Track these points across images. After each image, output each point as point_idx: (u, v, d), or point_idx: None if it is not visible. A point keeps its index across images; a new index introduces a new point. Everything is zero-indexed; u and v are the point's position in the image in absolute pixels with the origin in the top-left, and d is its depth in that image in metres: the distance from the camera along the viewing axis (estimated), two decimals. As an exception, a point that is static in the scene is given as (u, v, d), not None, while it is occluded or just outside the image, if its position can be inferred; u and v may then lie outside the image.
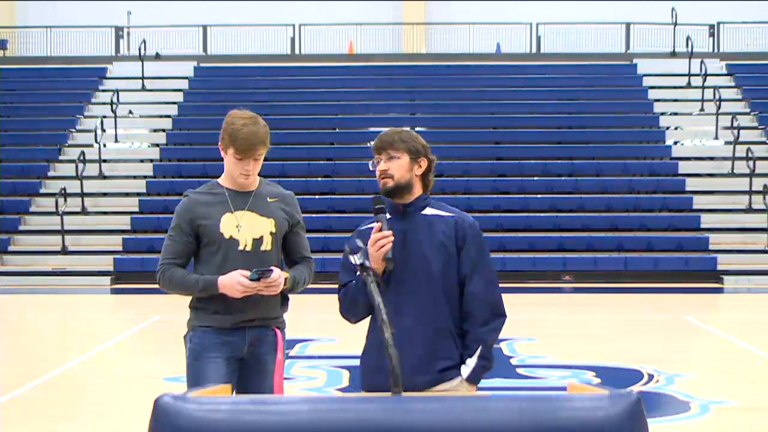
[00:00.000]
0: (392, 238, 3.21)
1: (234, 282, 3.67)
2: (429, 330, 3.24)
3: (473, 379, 3.26)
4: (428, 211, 3.35)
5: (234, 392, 3.82)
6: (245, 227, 3.78)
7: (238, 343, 3.80)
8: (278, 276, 3.70)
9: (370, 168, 3.41)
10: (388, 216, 3.33)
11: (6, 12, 26.96)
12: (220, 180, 3.90)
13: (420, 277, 3.26)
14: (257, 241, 3.79)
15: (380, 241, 3.20)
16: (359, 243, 3.06)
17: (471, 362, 3.26)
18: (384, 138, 3.37)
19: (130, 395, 7.27)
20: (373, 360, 3.31)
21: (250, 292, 3.69)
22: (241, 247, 3.76)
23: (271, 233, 3.82)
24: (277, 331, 3.87)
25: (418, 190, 3.36)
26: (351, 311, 3.39)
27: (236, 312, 3.76)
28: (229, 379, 3.78)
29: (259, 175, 3.92)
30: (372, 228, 3.31)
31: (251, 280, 3.66)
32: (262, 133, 3.75)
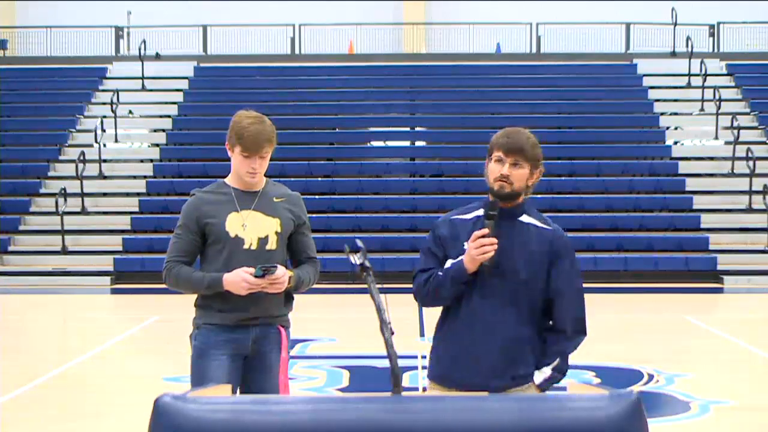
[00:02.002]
0: (496, 246, 3.19)
1: (239, 279, 3.69)
2: (509, 337, 3.24)
3: (543, 386, 3.28)
4: (525, 218, 3.32)
5: (238, 391, 3.83)
6: (251, 226, 3.80)
7: (241, 341, 3.82)
8: (282, 273, 3.72)
9: (487, 163, 3.36)
10: (480, 212, 3.33)
11: (6, 12, 26.96)
12: (227, 180, 3.94)
13: (506, 282, 3.24)
14: (262, 241, 3.82)
15: (485, 246, 3.18)
16: (359, 243, 3.06)
17: (546, 371, 3.27)
18: (515, 141, 3.30)
19: (130, 395, 7.27)
20: (451, 352, 3.31)
21: (255, 288, 3.71)
22: (246, 246, 3.79)
23: (276, 233, 3.84)
24: (282, 330, 3.88)
25: (522, 197, 3.34)
26: (429, 299, 3.35)
27: (240, 310, 3.79)
28: (232, 377, 3.80)
29: (265, 175, 3.95)
30: (466, 220, 3.33)
31: (256, 276, 3.68)
32: (269, 131, 3.80)
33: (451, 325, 3.34)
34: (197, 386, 3.78)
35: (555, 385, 3.31)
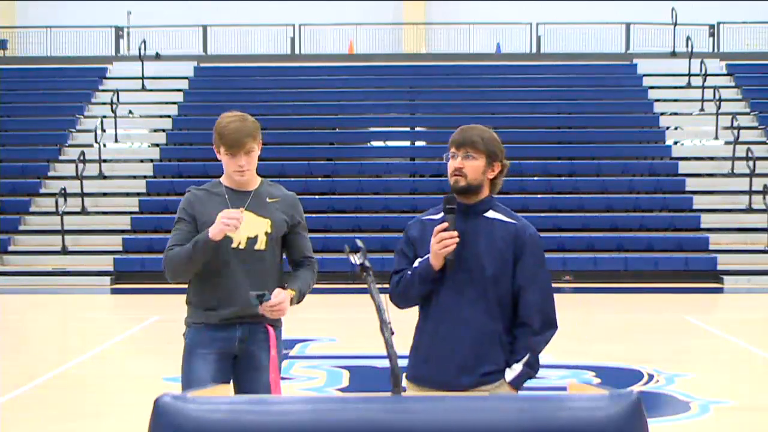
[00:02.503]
0: (458, 239, 3.21)
1: (217, 221, 3.68)
2: (477, 333, 3.25)
3: (516, 383, 3.28)
4: (491, 214, 3.33)
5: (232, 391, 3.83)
6: (241, 226, 3.79)
7: (228, 339, 3.82)
8: (281, 299, 3.69)
9: (444, 160, 3.37)
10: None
11: (6, 12, 26.97)
12: (222, 179, 3.96)
13: (473, 279, 3.25)
14: (251, 240, 3.82)
15: (446, 240, 3.20)
16: (359, 243, 3.06)
17: (517, 367, 3.27)
18: (466, 135, 3.31)
19: (130, 395, 7.28)
20: (423, 351, 3.33)
21: (235, 222, 3.67)
22: (234, 245, 3.79)
23: (266, 233, 3.84)
24: (270, 328, 3.85)
25: (485, 192, 3.34)
26: (402, 299, 3.38)
27: (224, 308, 3.79)
28: (220, 375, 3.81)
29: (261, 176, 3.95)
30: (435, 220, 3.33)
31: (252, 305, 3.66)
32: (249, 127, 3.82)
33: (423, 324, 3.36)
34: (185, 384, 3.84)
35: (528, 382, 3.31)
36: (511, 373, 3.27)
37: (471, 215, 3.30)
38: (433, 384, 3.26)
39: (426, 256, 3.27)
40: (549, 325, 3.35)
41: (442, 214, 3.34)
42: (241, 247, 3.80)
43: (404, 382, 3.44)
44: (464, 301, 3.24)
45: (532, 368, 3.29)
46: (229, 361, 3.85)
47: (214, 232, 3.68)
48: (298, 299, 3.83)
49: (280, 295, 3.69)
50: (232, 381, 3.87)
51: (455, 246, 3.20)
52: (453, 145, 3.31)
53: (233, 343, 3.82)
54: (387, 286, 3.33)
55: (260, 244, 3.83)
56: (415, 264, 3.31)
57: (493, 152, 3.30)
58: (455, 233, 3.21)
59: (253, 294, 3.62)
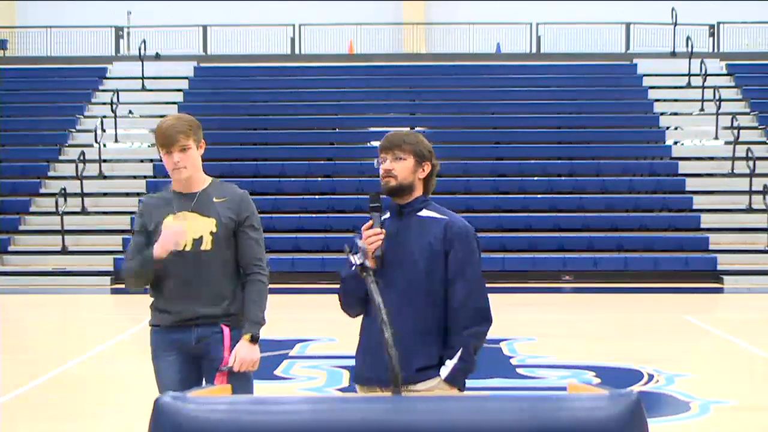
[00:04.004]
0: (383, 236, 3.27)
1: (160, 239, 3.75)
2: (409, 328, 3.26)
3: (451, 380, 3.29)
4: (424, 212, 3.40)
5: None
6: (186, 227, 3.80)
7: (184, 341, 3.85)
8: (241, 360, 3.73)
9: (375, 166, 3.46)
10: (387, 215, 3.39)
11: (6, 12, 26.97)
12: (172, 184, 3.96)
13: (406, 276, 3.30)
14: (197, 241, 3.82)
15: (371, 237, 3.26)
16: (359, 243, 3.06)
17: (450, 363, 3.29)
18: (392, 138, 3.42)
19: (130, 395, 7.28)
20: (361, 350, 3.39)
21: (177, 241, 3.73)
22: (180, 247, 3.79)
23: (211, 233, 3.83)
24: (225, 328, 3.84)
25: (418, 192, 3.41)
26: (347, 305, 3.46)
27: (176, 311, 3.83)
28: (186, 376, 3.84)
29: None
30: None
31: (220, 372, 3.73)
32: (182, 124, 3.83)
33: (363, 324, 3.42)
34: (158, 387, 3.88)
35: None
36: (445, 370, 3.29)
37: (405, 215, 3.38)
38: (372, 382, 3.29)
39: None
40: (481, 319, 3.34)
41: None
42: (187, 249, 3.81)
43: (357, 388, 3.47)
44: (396, 298, 3.26)
45: (466, 362, 3.29)
46: (191, 362, 3.87)
47: (158, 252, 3.75)
48: (259, 328, 3.83)
49: (240, 355, 3.74)
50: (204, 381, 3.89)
51: (381, 243, 3.26)
52: (381, 151, 3.42)
53: (190, 344, 3.85)
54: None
55: (206, 245, 3.82)
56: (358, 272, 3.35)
57: (420, 152, 3.40)
58: (379, 230, 3.28)
59: (217, 370, 3.72)
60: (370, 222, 3.31)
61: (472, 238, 3.38)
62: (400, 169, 3.37)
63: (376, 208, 3.33)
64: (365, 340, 3.39)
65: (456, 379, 3.29)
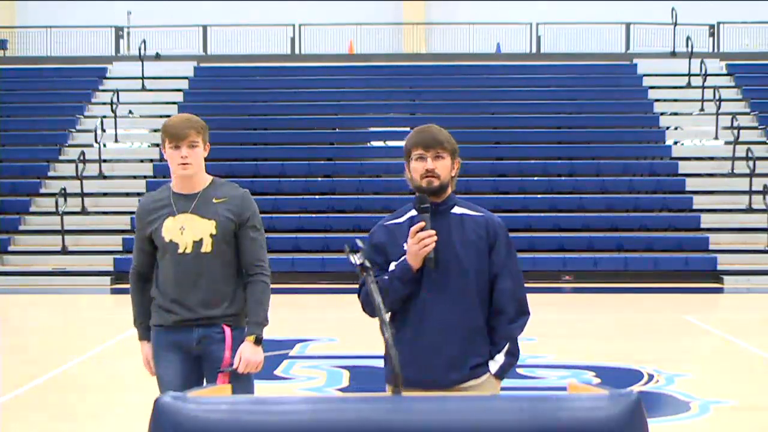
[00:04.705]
0: (436, 237, 3.23)
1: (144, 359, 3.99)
2: (463, 328, 3.27)
3: (500, 374, 3.32)
4: (457, 209, 3.37)
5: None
6: (187, 230, 3.79)
7: (185, 341, 3.85)
8: (246, 361, 3.75)
9: (413, 164, 3.41)
10: (413, 213, 3.36)
11: (6, 12, 26.97)
12: (171, 184, 3.93)
13: (453, 275, 3.27)
14: (197, 244, 3.80)
15: (425, 240, 3.21)
16: (359, 243, 3.06)
17: (499, 358, 3.31)
18: (435, 136, 3.40)
19: (130, 395, 7.27)
20: (405, 356, 3.28)
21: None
22: (180, 250, 3.79)
23: (211, 235, 3.80)
24: (226, 329, 3.82)
25: (450, 190, 3.40)
26: (368, 308, 3.39)
27: (177, 312, 3.82)
28: (187, 376, 3.84)
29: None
30: (401, 223, 3.36)
31: (223, 372, 3.75)
32: (194, 121, 3.86)
33: (400, 328, 3.32)
34: (159, 387, 3.90)
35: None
36: (495, 365, 3.30)
37: (440, 213, 3.34)
38: (418, 385, 3.26)
39: (402, 258, 3.27)
40: (523, 312, 3.37)
41: (405, 216, 3.37)
42: (188, 251, 3.79)
43: (387, 389, 3.44)
44: (446, 299, 3.26)
45: (513, 356, 3.33)
46: (192, 362, 3.87)
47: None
48: (262, 329, 3.82)
49: (245, 356, 3.75)
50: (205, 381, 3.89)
51: (434, 245, 3.22)
52: (419, 146, 3.38)
53: (192, 344, 3.84)
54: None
55: (206, 247, 3.79)
56: (391, 267, 3.30)
57: (455, 150, 3.42)
58: (433, 232, 3.23)
59: (218, 371, 3.74)
60: (421, 223, 3.24)
61: (508, 232, 3.42)
62: (442, 168, 3.34)
63: (427, 209, 3.27)
64: (408, 345, 3.26)
65: (504, 373, 3.32)
